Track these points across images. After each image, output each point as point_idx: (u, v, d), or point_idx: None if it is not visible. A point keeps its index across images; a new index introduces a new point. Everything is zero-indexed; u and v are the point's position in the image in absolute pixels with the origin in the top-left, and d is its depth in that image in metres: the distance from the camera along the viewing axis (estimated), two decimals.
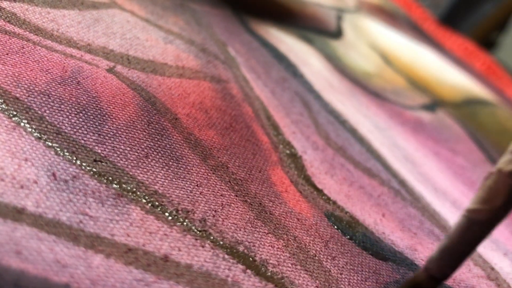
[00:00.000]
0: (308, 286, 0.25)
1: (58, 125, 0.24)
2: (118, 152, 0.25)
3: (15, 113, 0.24)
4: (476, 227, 0.21)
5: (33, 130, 0.23)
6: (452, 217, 0.38)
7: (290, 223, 0.27)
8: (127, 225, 0.22)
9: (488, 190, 0.21)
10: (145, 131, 0.27)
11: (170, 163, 0.26)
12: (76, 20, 0.32)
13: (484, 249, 0.36)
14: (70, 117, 0.25)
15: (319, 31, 0.59)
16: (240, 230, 0.25)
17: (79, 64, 0.29)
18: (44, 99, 0.25)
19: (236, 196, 0.27)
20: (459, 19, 1.00)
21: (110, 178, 0.24)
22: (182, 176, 0.26)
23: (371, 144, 0.41)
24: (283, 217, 0.28)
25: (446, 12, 1.00)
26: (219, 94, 0.35)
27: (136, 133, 0.27)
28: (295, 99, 0.40)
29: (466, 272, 0.32)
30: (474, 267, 0.33)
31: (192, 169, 0.27)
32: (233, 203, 0.26)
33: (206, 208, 0.25)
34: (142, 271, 0.21)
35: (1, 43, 0.26)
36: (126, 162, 0.25)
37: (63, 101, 0.26)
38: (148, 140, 0.27)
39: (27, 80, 0.25)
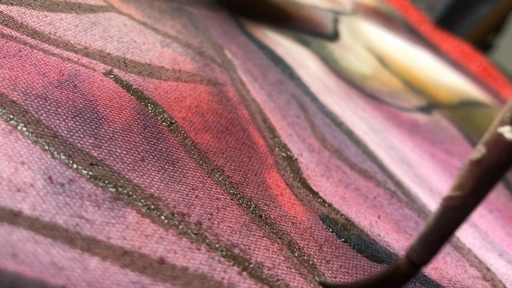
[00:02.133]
0: None
1: (54, 129, 0.24)
2: (114, 156, 0.25)
3: (12, 116, 0.24)
4: (450, 214, 0.22)
5: (30, 134, 0.24)
6: None
7: (285, 226, 0.28)
8: (123, 228, 0.22)
9: (460, 178, 0.22)
10: (141, 135, 0.27)
11: (166, 166, 0.26)
12: (73, 24, 0.32)
13: (480, 250, 0.36)
14: (66, 120, 0.25)
15: (316, 34, 0.59)
16: (235, 233, 0.25)
17: (76, 68, 0.29)
18: (41, 102, 0.25)
19: (232, 199, 0.27)
20: (455, 21, 1.00)
21: (106, 181, 0.24)
22: (177, 180, 0.26)
23: (368, 146, 0.41)
24: (278, 221, 0.28)
25: (442, 14, 1.01)
26: (215, 97, 0.35)
27: (132, 137, 0.27)
28: (292, 102, 0.41)
29: (462, 273, 0.32)
30: (470, 267, 0.33)
31: (187, 173, 0.27)
32: (229, 207, 0.26)
33: (201, 211, 0.25)
34: (138, 273, 0.21)
35: None
36: (122, 166, 0.25)
37: (59, 105, 0.26)
38: (144, 144, 0.27)
39: (24, 83, 0.26)
